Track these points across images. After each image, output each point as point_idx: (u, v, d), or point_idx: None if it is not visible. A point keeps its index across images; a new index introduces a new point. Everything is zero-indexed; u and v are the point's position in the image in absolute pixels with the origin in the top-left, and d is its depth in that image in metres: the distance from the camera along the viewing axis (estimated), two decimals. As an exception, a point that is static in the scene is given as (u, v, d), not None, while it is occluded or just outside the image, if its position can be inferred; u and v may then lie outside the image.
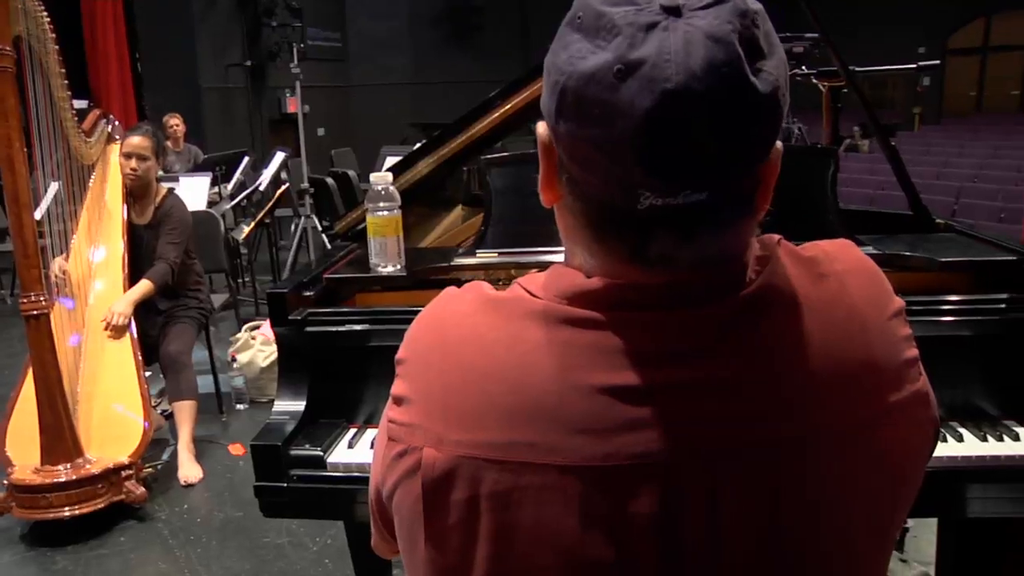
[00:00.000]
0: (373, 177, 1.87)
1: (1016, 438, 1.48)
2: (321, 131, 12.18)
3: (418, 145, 2.25)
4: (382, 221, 1.85)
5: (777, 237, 0.70)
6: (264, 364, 4.17)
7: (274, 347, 4.11)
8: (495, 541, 0.65)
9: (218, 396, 4.17)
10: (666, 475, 0.63)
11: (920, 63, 2.54)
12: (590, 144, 0.61)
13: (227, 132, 10.78)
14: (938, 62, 2.74)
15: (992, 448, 1.46)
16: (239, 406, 4.23)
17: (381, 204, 1.84)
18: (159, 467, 3.62)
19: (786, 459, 0.64)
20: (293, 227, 6.44)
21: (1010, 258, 1.69)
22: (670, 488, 0.63)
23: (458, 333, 0.70)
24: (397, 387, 0.72)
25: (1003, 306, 1.54)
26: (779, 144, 0.66)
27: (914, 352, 0.71)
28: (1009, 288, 1.60)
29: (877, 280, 0.73)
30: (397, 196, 1.85)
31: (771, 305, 0.66)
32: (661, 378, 0.64)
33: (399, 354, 0.74)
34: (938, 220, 2.03)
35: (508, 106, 2.08)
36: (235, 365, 4.20)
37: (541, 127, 0.69)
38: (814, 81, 2.56)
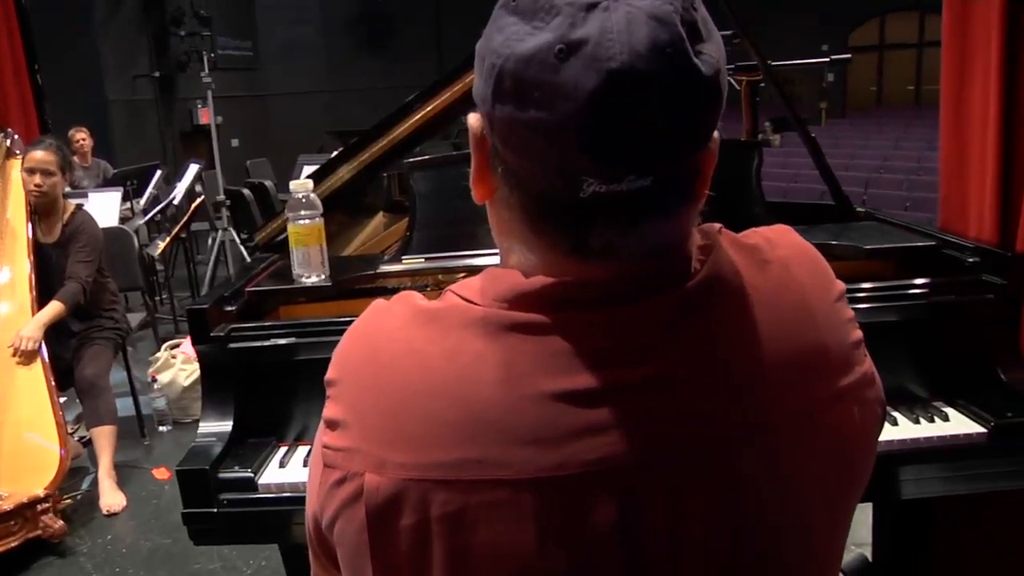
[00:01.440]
0: (293, 185, 1.82)
1: (946, 418, 1.52)
2: (235, 142, 11.90)
3: (338, 152, 2.20)
4: (304, 230, 1.80)
5: (718, 226, 0.69)
6: (186, 383, 4.04)
7: (196, 365, 4.03)
8: (449, 566, 0.62)
9: (139, 419, 4.01)
10: (624, 480, 0.60)
11: (832, 57, 2.61)
12: (529, 129, 0.59)
13: (137, 146, 10.43)
14: (849, 56, 2.83)
15: (924, 430, 1.50)
16: (162, 428, 4.08)
17: (303, 212, 1.79)
18: (79, 497, 3.46)
19: (744, 450, 0.63)
20: (210, 241, 6.27)
21: (930, 243, 1.74)
22: (629, 493, 0.61)
23: (392, 348, 0.66)
24: (330, 410, 0.67)
25: (927, 290, 1.58)
26: (716, 134, 0.65)
27: (859, 334, 0.71)
28: (929, 272, 1.65)
29: (819, 264, 0.73)
30: (319, 204, 1.81)
31: (718, 295, 0.65)
32: (612, 379, 0.61)
33: (329, 375, 0.69)
34: (858, 209, 2.08)
35: (428, 109, 2.06)
36: (156, 386, 4.06)
37: (472, 118, 0.66)
38: (731, 77, 2.61)
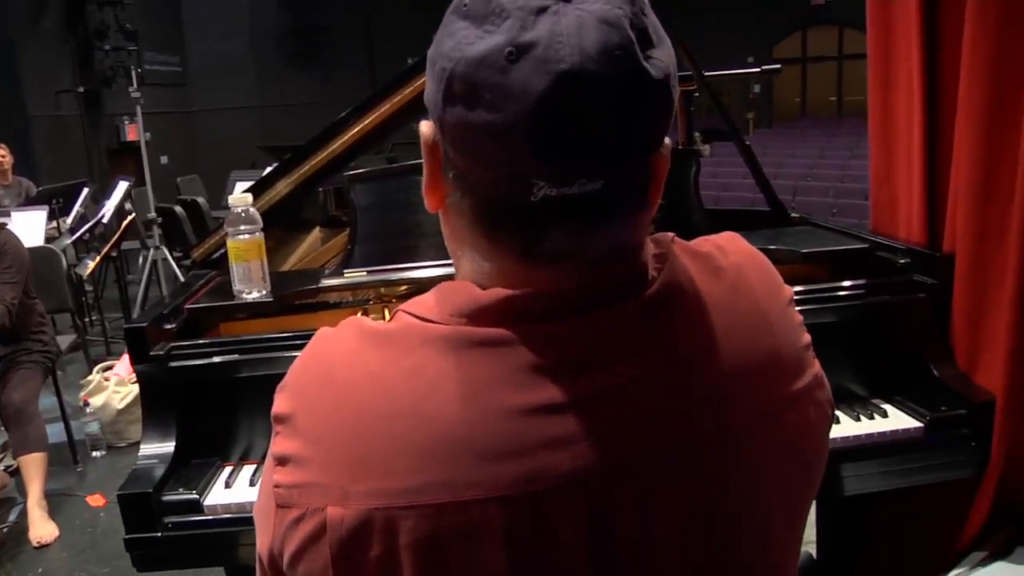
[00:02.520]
0: (232, 199, 1.78)
1: (884, 415, 1.57)
2: (164, 159, 11.61)
3: (273, 167, 2.17)
4: (244, 245, 1.77)
5: (671, 235, 0.70)
6: (121, 406, 3.92)
7: (130, 387, 3.93)
8: None
9: (71, 445, 3.88)
10: (593, 491, 0.60)
11: (763, 67, 2.68)
12: (480, 132, 0.59)
13: (61, 163, 10.09)
14: (779, 67, 2.90)
15: (865, 427, 1.55)
16: (95, 453, 3.95)
17: (242, 227, 1.76)
18: (6, 529, 3.33)
19: (708, 456, 0.63)
20: (141, 260, 6.10)
21: (863, 246, 1.80)
22: (598, 504, 0.60)
23: (348, 374, 0.64)
24: (280, 446, 0.64)
25: (862, 291, 1.63)
26: (668, 140, 0.65)
27: (808, 337, 0.73)
28: (863, 273, 1.70)
29: (769, 270, 0.74)
30: (258, 218, 1.78)
31: (676, 302, 0.65)
32: (576, 390, 0.61)
33: (278, 409, 0.66)
34: (793, 215, 2.14)
35: (366, 122, 2.04)
36: (88, 410, 3.92)
37: (424, 125, 0.66)
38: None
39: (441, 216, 0.69)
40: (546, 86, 0.56)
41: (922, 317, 1.64)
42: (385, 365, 0.63)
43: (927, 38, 1.65)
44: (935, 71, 1.66)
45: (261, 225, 1.77)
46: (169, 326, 1.66)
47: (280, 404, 0.66)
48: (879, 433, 1.53)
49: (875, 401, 1.63)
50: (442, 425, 0.60)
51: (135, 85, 6.12)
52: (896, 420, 1.57)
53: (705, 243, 0.73)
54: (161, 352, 1.57)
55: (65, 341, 4.09)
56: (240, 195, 1.80)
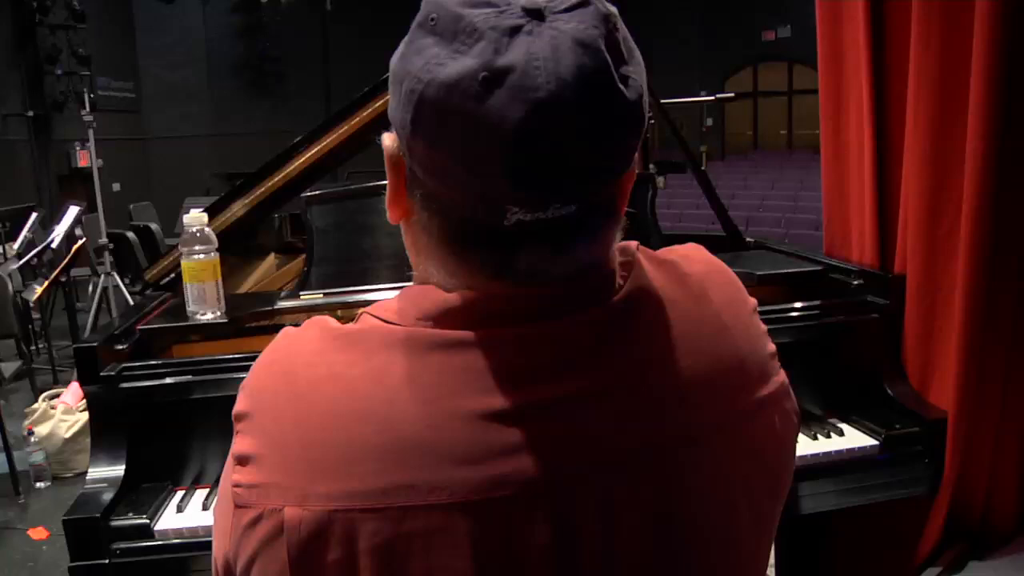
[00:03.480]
0: (187, 218, 1.76)
1: (841, 433, 1.60)
2: (116, 186, 11.40)
3: (232, 188, 2.15)
4: (199, 265, 1.74)
5: (635, 243, 0.70)
6: (67, 435, 3.80)
7: (78, 416, 3.82)
8: None
9: (13, 476, 3.74)
10: (558, 497, 0.60)
11: (717, 95, 2.73)
12: (452, 158, 0.58)
13: (9, 188, 9.84)
14: (733, 95, 2.97)
15: (822, 446, 1.56)
16: (39, 484, 3.81)
17: (197, 247, 1.74)
18: (-58, 565, 3.19)
19: (673, 462, 0.63)
20: (92, 287, 5.96)
21: (818, 268, 1.83)
22: (563, 511, 0.60)
23: (311, 374, 0.63)
24: (241, 445, 0.63)
25: (817, 312, 1.66)
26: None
27: (773, 346, 0.73)
28: (817, 295, 1.73)
29: (733, 279, 0.75)
30: (214, 238, 1.75)
31: (641, 309, 0.66)
32: (541, 395, 0.61)
33: (239, 408, 0.65)
34: (748, 239, 2.17)
35: (323, 144, 2.05)
36: (32, 439, 3.80)
37: (387, 138, 0.65)
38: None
39: (403, 227, 0.68)
40: (522, 116, 0.54)
41: (875, 337, 1.68)
42: (349, 366, 0.63)
43: (875, 66, 1.70)
44: (883, 98, 1.71)
45: (216, 245, 1.75)
46: (121, 347, 1.62)
47: (240, 403, 0.66)
48: (835, 451, 1.55)
49: (831, 420, 1.65)
50: (406, 428, 0.59)
51: (87, 109, 6.00)
52: (852, 438, 1.59)
53: (670, 252, 0.74)
54: (112, 372, 1.53)
55: (9, 368, 3.97)
56: (195, 215, 1.78)
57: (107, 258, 5.93)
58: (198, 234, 1.74)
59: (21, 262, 5.33)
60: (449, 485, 0.58)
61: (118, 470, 1.51)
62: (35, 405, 3.95)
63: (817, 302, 1.70)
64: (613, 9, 0.60)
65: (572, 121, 0.56)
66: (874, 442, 1.56)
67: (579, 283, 0.64)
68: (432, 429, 0.59)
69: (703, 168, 2.25)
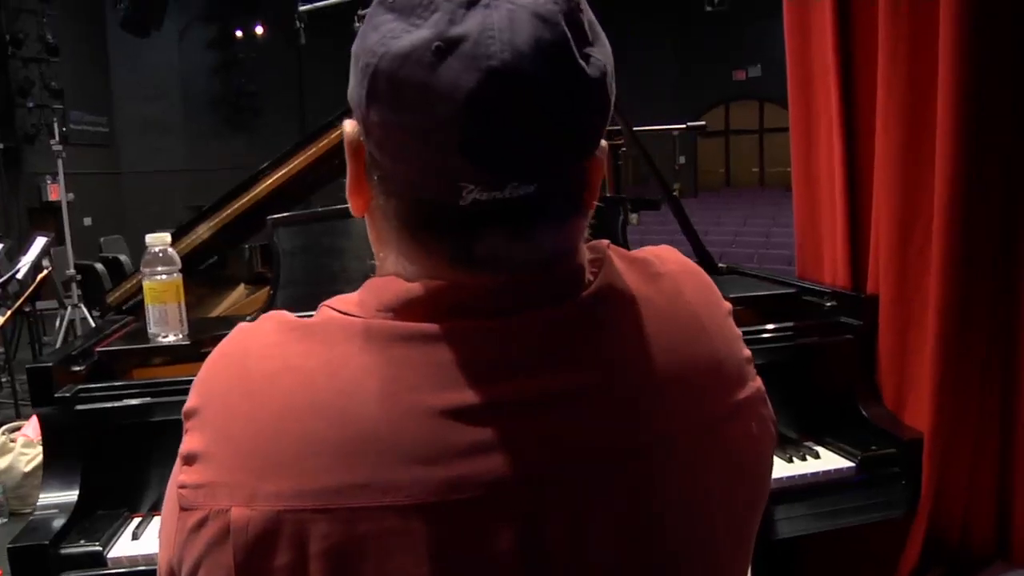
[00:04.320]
0: (149, 238, 1.72)
1: (816, 456, 1.57)
2: (88, 220, 11.29)
3: (192, 218, 2.14)
4: (161, 286, 1.70)
5: (606, 241, 0.67)
6: (27, 469, 3.68)
7: (38, 450, 3.71)
8: None
9: (-32, 512, 3.62)
10: (522, 500, 0.56)
11: (688, 123, 2.75)
12: (406, 132, 0.56)
13: (-24, 222, 9.76)
14: (704, 123, 2.99)
15: (797, 468, 1.54)
16: (-4, 521, 3.69)
17: (159, 268, 1.70)
18: None
19: (644, 464, 0.60)
20: (59, 321, 5.86)
21: (790, 291, 1.82)
22: (528, 514, 0.56)
23: (265, 367, 0.60)
24: (189, 443, 0.60)
25: (791, 333, 1.65)
26: (604, 143, 0.64)
27: (748, 352, 0.71)
28: (791, 318, 1.72)
29: (707, 281, 0.72)
30: (177, 259, 1.72)
31: (612, 306, 0.63)
32: (507, 392, 0.58)
33: (189, 404, 0.62)
34: (720, 264, 2.17)
35: (289, 167, 2.05)
36: (-11, 474, 3.68)
37: (348, 124, 0.63)
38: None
39: (367, 220, 0.66)
40: (475, 84, 0.53)
41: (849, 358, 1.66)
42: (305, 357, 0.59)
43: (844, 87, 1.71)
44: (853, 118, 1.72)
45: (179, 266, 1.71)
46: (78, 368, 1.57)
47: (190, 399, 0.62)
48: (811, 474, 1.53)
49: (807, 443, 1.62)
50: (362, 423, 0.56)
51: (57, 139, 5.95)
52: (827, 461, 1.56)
53: (642, 251, 0.71)
54: (67, 394, 1.48)
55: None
56: (158, 234, 1.74)
57: (74, 290, 5.84)
58: (160, 254, 1.70)
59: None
60: (406, 485, 0.55)
61: (71, 495, 1.45)
62: (-7, 437, 3.84)
63: (790, 323, 1.68)
64: None
65: (528, 92, 0.54)
66: (850, 464, 1.54)
67: (545, 275, 0.61)
68: (390, 425, 0.56)
69: (674, 192, 2.24)
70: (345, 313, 0.61)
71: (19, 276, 5.33)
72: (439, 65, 0.53)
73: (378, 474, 0.55)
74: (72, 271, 5.83)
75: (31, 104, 10.12)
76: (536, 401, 0.58)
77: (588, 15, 0.59)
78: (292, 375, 0.59)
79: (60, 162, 5.81)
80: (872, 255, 1.69)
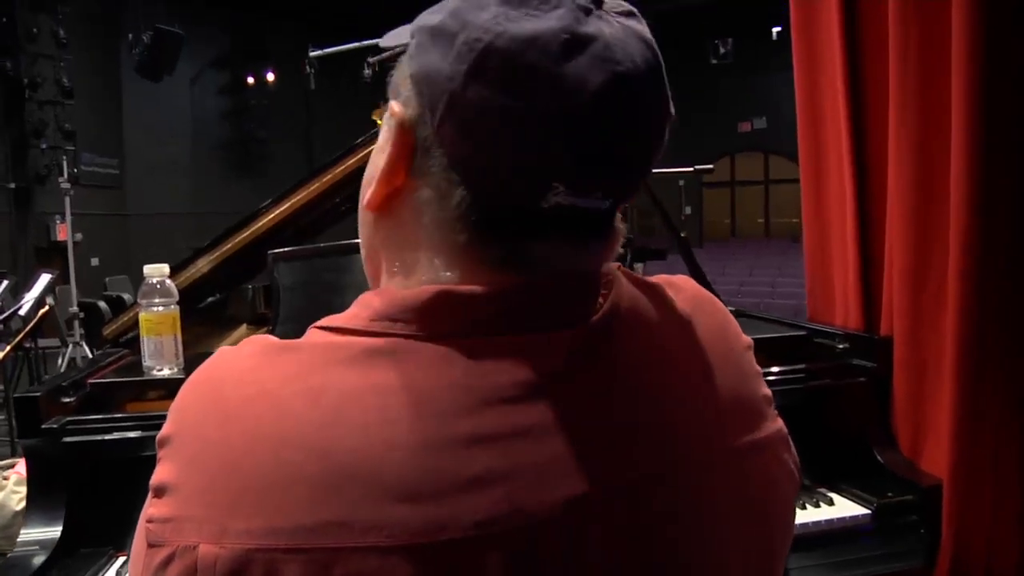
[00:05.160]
0: (147, 269, 1.69)
1: (830, 502, 1.52)
2: (95, 261, 11.35)
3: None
4: (157, 318, 1.66)
5: (616, 264, 0.64)
6: (19, 507, 3.58)
7: (30, 487, 3.63)
8: None
9: (-43, 552, 3.53)
10: (518, 540, 0.51)
11: (696, 167, 2.73)
12: (509, 117, 0.53)
13: (-16, 260, 9.80)
14: (711, 167, 2.98)
15: (811, 515, 1.48)
16: (-16, 562, 3.60)
17: (156, 299, 1.66)
18: None
19: (651, 500, 0.56)
20: (60, 359, 5.82)
21: (801, 333, 1.78)
22: (523, 555, 0.52)
23: (241, 392, 0.56)
24: (159, 474, 0.56)
25: (802, 375, 1.60)
26: None
27: (768, 391, 0.67)
28: (802, 361, 1.67)
29: (724, 311, 0.69)
30: (174, 291, 1.68)
31: (621, 331, 0.59)
32: (502, 422, 0.53)
33: (163, 432, 0.58)
34: (729, 308, 2.12)
35: (291, 201, 2.03)
36: (-20, 513, 3.60)
37: (396, 104, 0.59)
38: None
39: (376, 219, 0.62)
40: (604, 83, 0.53)
41: (863, 401, 1.62)
42: (284, 384, 0.55)
43: (854, 121, 1.69)
44: (864, 154, 1.70)
45: (176, 298, 1.68)
46: (68, 399, 1.52)
47: (165, 426, 0.58)
48: (825, 521, 1.47)
49: (821, 489, 1.57)
50: (343, 455, 0.51)
51: (65, 177, 5.99)
52: (842, 508, 1.50)
53: (656, 278, 0.67)
54: (54, 425, 1.43)
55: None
56: (156, 266, 1.71)
57: (77, 328, 5.82)
58: (158, 286, 1.67)
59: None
60: (388, 524, 0.50)
61: (54, 531, 1.40)
62: (-12, 475, 3.78)
63: (801, 366, 1.64)
64: None
65: (642, 103, 0.55)
66: (866, 511, 1.48)
67: (558, 290, 0.57)
68: (372, 458, 0.51)
69: (683, 235, 2.21)
70: (334, 330, 0.57)
71: (22, 312, 5.30)
72: (567, 59, 0.52)
73: (360, 512, 0.50)
74: (75, 309, 5.81)
75: (44, 145, 10.26)
76: (533, 432, 0.54)
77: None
78: (268, 402, 0.54)
79: (67, 200, 5.83)
80: (885, 296, 1.65)
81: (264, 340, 0.60)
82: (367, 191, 0.62)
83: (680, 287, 0.67)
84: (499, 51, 0.53)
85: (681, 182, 15.15)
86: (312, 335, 0.59)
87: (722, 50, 14.03)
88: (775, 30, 12.76)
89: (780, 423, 0.66)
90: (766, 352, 1.79)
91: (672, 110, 0.58)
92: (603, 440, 0.55)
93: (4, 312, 5.41)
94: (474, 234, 0.57)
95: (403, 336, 0.55)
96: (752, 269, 12.40)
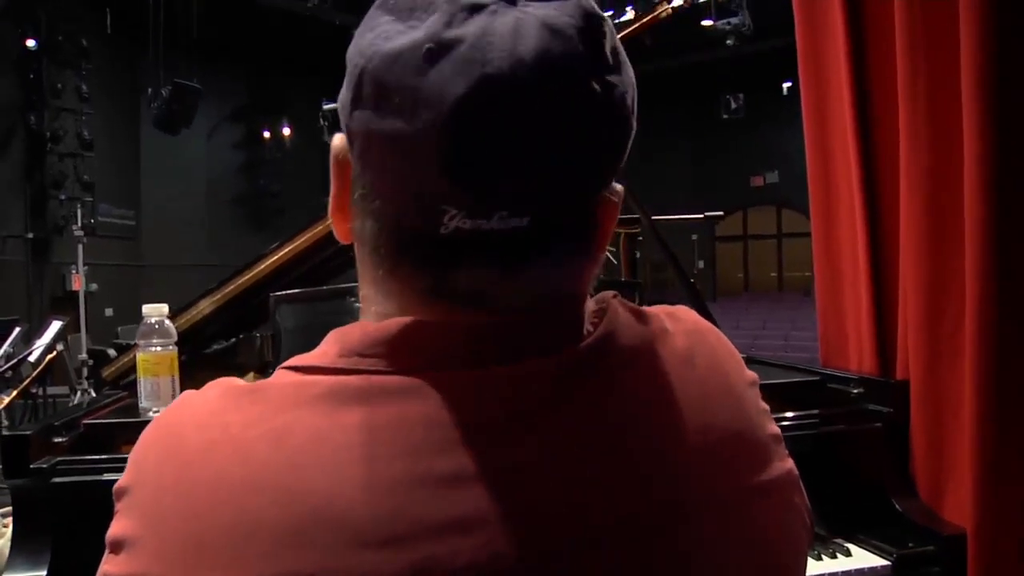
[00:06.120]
0: (146, 309, 1.68)
1: (847, 553, 1.45)
2: (110, 311, 11.40)
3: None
4: (155, 358, 1.63)
5: (612, 292, 0.60)
6: (16, 559, 3.55)
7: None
8: None
9: (-47, 602, 3.46)
10: None
11: (706, 214, 2.71)
12: (387, 142, 0.50)
13: (1, 310, 9.85)
14: (721, 213, 2.96)
15: (827, 566, 1.42)
16: (-19, 612, 3.53)
17: (155, 340, 1.64)
18: None
19: (647, 543, 0.51)
20: (70, 406, 5.80)
21: (814, 379, 1.73)
22: None
23: (201, 438, 0.52)
24: (115, 528, 0.53)
25: (816, 420, 1.55)
26: (619, 187, 0.57)
27: (777, 429, 0.62)
28: (815, 406, 1.62)
29: (728, 345, 0.65)
30: (173, 331, 1.66)
31: (612, 360, 0.55)
32: (487, 457, 0.49)
33: (119, 483, 0.55)
34: (740, 355, 2.08)
35: (295, 244, 2.03)
36: (-22, 562, 3.54)
37: (336, 138, 0.57)
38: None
39: (356, 250, 0.60)
40: (464, 91, 0.47)
41: (879, 447, 1.56)
42: (246, 427, 0.51)
43: (864, 157, 1.67)
44: (875, 192, 1.67)
45: (175, 339, 1.65)
46: (60, 439, 1.48)
47: (123, 476, 0.54)
48: (843, 573, 1.40)
49: (837, 540, 1.49)
50: (309, 500, 0.48)
51: (79, 224, 6.04)
52: (860, 559, 1.44)
53: (655, 308, 0.63)
54: (44, 465, 1.39)
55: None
56: (155, 305, 1.70)
57: (86, 380, 5.81)
58: (157, 326, 1.65)
59: (-7, 374, 5.18)
60: (360, 572, 0.46)
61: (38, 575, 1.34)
62: (-13, 523, 3.72)
63: (814, 411, 1.58)
64: (602, 13, 0.52)
65: (524, 106, 0.47)
66: (885, 563, 1.41)
67: (537, 317, 0.53)
68: (341, 500, 0.47)
69: (691, 280, 2.18)
70: (302, 369, 0.54)
71: (31, 358, 5.29)
72: (429, 69, 0.48)
73: (327, 560, 0.46)
74: (84, 356, 5.81)
75: (63, 196, 10.42)
76: (516, 469, 0.50)
77: (613, 40, 0.52)
78: (230, 446, 0.51)
79: (80, 248, 5.87)
80: (900, 339, 1.60)
81: (228, 383, 0.57)
82: (332, 224, 0.60)
83: (680, 318, 0.63)
84: (370, 73, 0.50)
85: (694, 236, 15.20)
86: (279, 375, 0.55)
87: (733, 105, 14.16)
88: (785, 85, 12.88)
89: (790, 463, 0.62)
90: (777, 398, 1.73)
91: (614, 100, 0.51)
92: (595, 479, 0.51)
93: (15, 358, 5.41)
94: (390, 265, 0.54)
95: (372, 372, 0.52)
96: (765, 322, 12.36)
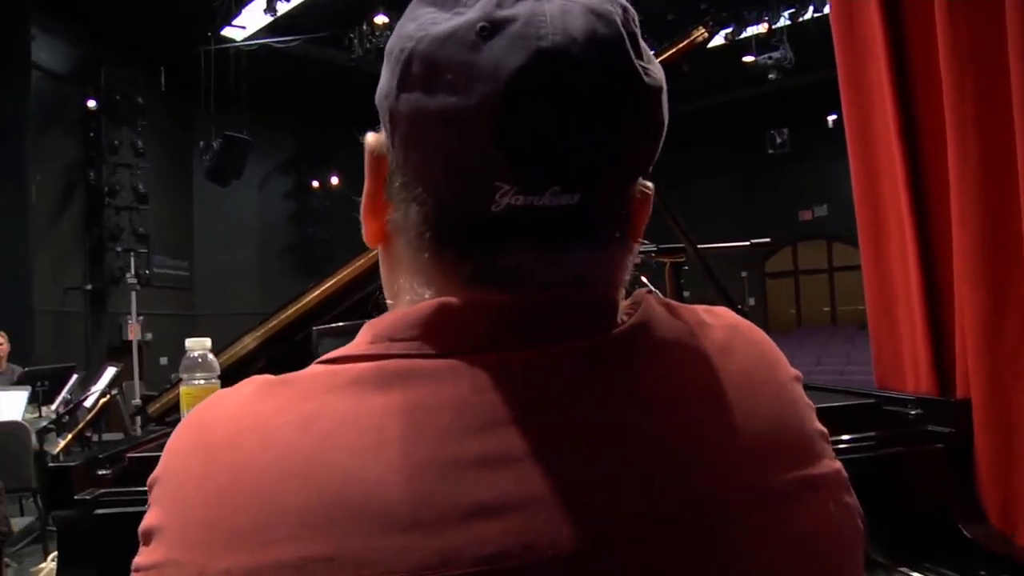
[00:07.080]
0: (189, 343, 1.68)
1: (912, 583, 1.37)
2: (164, 360, 11.63)
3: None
4: (198, 392, 1.63)
5: (646, 288, 0.59)
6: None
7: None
8: None
9: (9, 646, 3.50)
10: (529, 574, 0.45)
11: (752, 241, 2.66)
12: (439, 121, 0.49)
13: (60, 357, 10.09)
14: (768, 240, 2.91)
15: (891, 597, 1.34)
16: (36, 657, 3.55)
17: (198, 373, 1.64)
18: None
19: (683, 536, 0.49)
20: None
21: (869, 401, 1.67)
22: None
23: (230, 427, 0.52)
24: (147, 519, 0.53)
25: (872, 443, 1.49)
26: (651, 184, 0.57)
27: (822, 427, 0.60)
28: (871, 429, 1.56)
29: (767, 340, 0.62)
30: (216, 365, 1.66)
31: (652, 345, 0.54)
32: (513, 443, 0.48)
33: (153, 474, 0.55)
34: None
35: (338, 278, 2.04)
36: (33, 606, 3.57)
37: (371, 136, 0.58)
38: (654, 259, 2.63)
39: (380, 253, 0.60)
40: (521, 64, 0.47)
41: (941, 470, 1.48)
42: (274, 414, 0.51)
43: (912, 182, 1.62)
44: (925, 217, 1.62)
45: (218, 372, 1.66)
46: (104, 472, 1.49)
47: (156, 468, 0.55)
48: (907, 604, 1.33)
49: (902, 569, 1.42)
50: (332, 484, 0.46)
51: (132, 272, 6.19)
52: (927, 589, 1.36)
53: (691, 305, 0.62)
54: (87, 497, 1.40)
55: (21, 523, 3.82)
56: (198, 339, 1.70)
57: (139, 421, 5.90)
58: (200, 360, 1.65)
59: (47, 420, 5.30)
60: (382, 559, 0.45)
61: (81, 608, 1.34)
62: (42, 564, 3.76)
63: (871, 433, 1.52)
64: (631, 8, 0.54)
65: (577, 81, 0.48)
66: (954, 593, 1.34)
67: (573, 299, 0.52)
68: (365, 484, 0.46)
69: (740, 306, 2.13)
70: (333, 359, 0.53)
71: (87, 404, 5.41)
72: (483, 45, 0.48)
73: (348, 544, 0.45)
74: (138, 400, 5.91)
75: (119, 248, 10.70)
76: (552, 451, 0.48)
77: (639, 34, 0.54)
78: (256, 433, 0.50)
79: (134, 295, 6.01)
80: (959, 356, 1.54)
81: (262, 378, 0.56)
82: (364, 222, 0.60)
83: (718, 314, 0.61)
84: (419, 55, 0.50)
85: (744, 273, 15.02)
86: (311, 367, 0.55)
87: (778, 140, 14.06)
88: (830, 118, 12.76)
89: (839, 465, 0.59)
90: (832, 421, 1.66)
91: (654, 84, 0.52)
92: (629, 468, 0.49)
93: (72, 403, 5.53)
94: (435, 250, 0.54)
95: (403, 356, 0.51)
96: (819, 358, 12.10)
